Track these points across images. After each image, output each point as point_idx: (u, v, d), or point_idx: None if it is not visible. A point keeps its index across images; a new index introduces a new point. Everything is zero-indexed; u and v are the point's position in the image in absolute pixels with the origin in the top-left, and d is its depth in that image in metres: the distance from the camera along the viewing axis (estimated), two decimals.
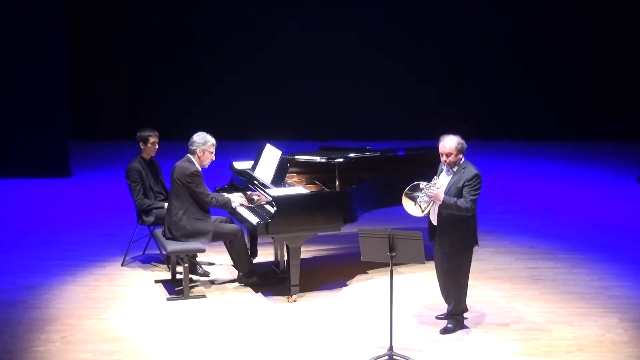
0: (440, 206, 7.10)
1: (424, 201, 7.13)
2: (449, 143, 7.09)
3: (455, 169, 7.14)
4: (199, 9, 15.45)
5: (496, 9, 15.38)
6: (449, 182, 7.12)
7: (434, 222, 7.28)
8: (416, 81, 15.60)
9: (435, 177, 7.18)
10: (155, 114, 14.60)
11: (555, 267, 9.04)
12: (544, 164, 14.09)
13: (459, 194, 7.04)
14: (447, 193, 7.07)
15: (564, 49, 15.39)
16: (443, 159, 7.14)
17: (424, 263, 6.91)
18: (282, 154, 8.47)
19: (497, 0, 15.42)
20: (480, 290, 8.31)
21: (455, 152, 7.08)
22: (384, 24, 15.48)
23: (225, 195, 8.48)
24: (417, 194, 7.15)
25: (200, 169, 8.25)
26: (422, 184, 7.15)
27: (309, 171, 8.87)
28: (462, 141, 7.12)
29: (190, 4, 15.49)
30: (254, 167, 8.86)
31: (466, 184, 7.04)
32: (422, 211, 7.17)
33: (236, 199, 8.41)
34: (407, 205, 7.20)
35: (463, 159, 7.15)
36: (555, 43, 15.41)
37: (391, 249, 6.70)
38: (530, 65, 15.51)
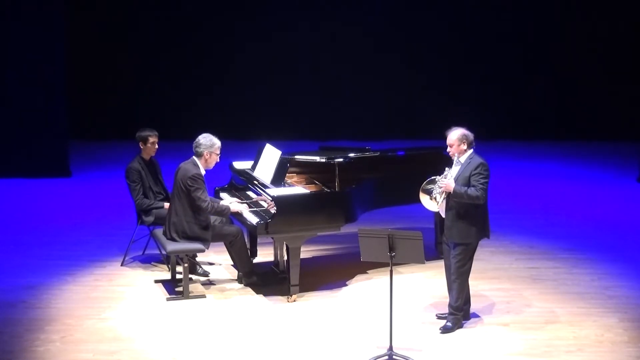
0: (451, 196, 7.18)
1: (438, 193, 7.23)
2: (453, 135, 7.30)
3: (463, 160, 7.26)
4: (198, 8, 15.44)
5: (497, 8, 15.36)
6: (457, 173, 7.26)
7: (443, 215, 7.36)
8: (416, 81, 15.57)
9: (447, 168, 7.31)
10: (155, 114, 14.59)
11: (555, 267, 9.04)
12: (544, 164, 14.08)
13: (467, 184, 7.17)
14: (455, 183, 7.18)
15: (564, 49, 15.38)
16: (448, 149, 7.33)
17: (424, 263, 6.91)
18: (281, 154, 8.47)
19: (497, 0, 15.42)
20: (480, 290, 8.30)
21: (457, 143, 7.25)
22: (384, 22, 15.47)
23: (224, 204, 8.28)
24: (431, 186, 7.28)
25: (203, 172, 8.19)
26: (437, 178, 7.27)
27: (308, 171, 8.86)
28: (468, 133, 7.29)
29: (189, 3, 15.48)
30: (253, 167, 8.85)
31: (473, 172, 7.18)
32: (438, 204, 7.26)
33: (235, 207, 8.28)
34: (424, 199, 7.33)
35: (471, 152, 7.28)
36: (555, 43, 15.40)
37: (391, 248, 6.70)
38: (531, 65, 15.50)
